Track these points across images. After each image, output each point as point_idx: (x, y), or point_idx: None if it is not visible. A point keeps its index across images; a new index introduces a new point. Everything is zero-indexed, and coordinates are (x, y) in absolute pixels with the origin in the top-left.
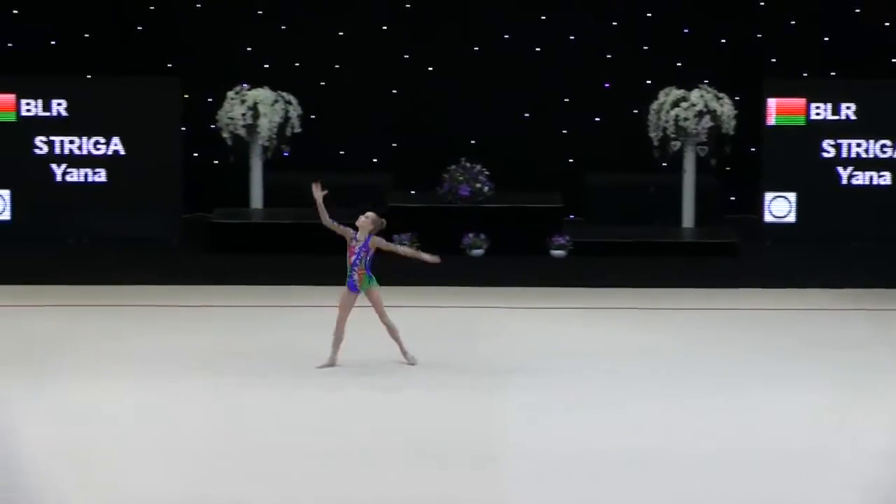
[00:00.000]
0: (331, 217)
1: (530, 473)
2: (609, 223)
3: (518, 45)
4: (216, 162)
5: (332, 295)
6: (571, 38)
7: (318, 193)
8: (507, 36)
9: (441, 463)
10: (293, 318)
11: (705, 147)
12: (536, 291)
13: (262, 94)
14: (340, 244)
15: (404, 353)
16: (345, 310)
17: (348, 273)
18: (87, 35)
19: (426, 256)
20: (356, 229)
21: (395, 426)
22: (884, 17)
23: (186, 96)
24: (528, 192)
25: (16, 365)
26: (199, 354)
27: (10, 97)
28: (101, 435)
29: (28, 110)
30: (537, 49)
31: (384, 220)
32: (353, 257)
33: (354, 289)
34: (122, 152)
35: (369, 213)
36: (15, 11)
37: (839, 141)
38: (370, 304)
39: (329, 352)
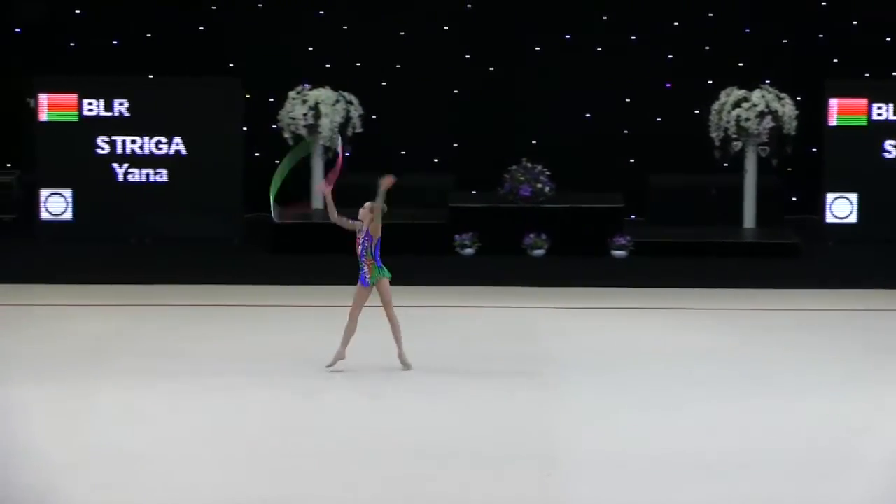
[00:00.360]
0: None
1: (592, 475)
2: (670, 223)
3: (580, 46)
4: (277, 162)
5: (394, 294)
6: (633, 38)
7: (325, 190)
8: (568, 36)
9: (503, 463)
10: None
11: (766, 147)
12: (597, 292)
13: (324, 94)
14: (402, 244)
15: (401, 355)
16: (357, 306)
17: (359, 267)
18: (149, 35)
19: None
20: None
21: (456, 426)
22: None
23: (248, 96)
24: (589, 193)
25: (77, 365)
26: (260, 354)
27: (73, 97)
28: (163, 436)
29: (90, 110)
30: (599, 49)
31: (384, 206)
32: (359, 248)
33: (365, 283)
34: (184, 152)
35: (367, 203)
36: (77, 11)
37: None
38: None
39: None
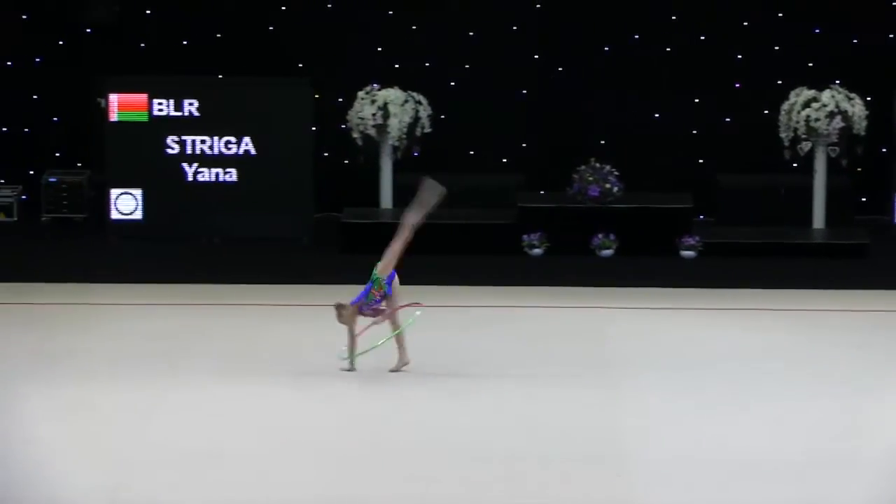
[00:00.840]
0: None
1: (661, 476)
2: (739, 224)
3: (648, 46)
4: (346, 162)
5: (463, 294)
6: (702, 38)
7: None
8: (637, 36)
9: (571, 465)
10: (427, 317)
11: (836, 148)
12: (665, 292)
13: (393, 94)
14: (470, 244)
15: (400, 358)
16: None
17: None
18: (218, 35)
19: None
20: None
21: (524, 427)
22: None
23: (317, 96)
24: (658, 193)
25: (147, 364)
26: (330, 353)
27: (143, 97)
28: (233, 435)
29: (160, 110)
30: (668, 49)
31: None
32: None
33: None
34: (253, 152)
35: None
36: (147, 12)
37: None
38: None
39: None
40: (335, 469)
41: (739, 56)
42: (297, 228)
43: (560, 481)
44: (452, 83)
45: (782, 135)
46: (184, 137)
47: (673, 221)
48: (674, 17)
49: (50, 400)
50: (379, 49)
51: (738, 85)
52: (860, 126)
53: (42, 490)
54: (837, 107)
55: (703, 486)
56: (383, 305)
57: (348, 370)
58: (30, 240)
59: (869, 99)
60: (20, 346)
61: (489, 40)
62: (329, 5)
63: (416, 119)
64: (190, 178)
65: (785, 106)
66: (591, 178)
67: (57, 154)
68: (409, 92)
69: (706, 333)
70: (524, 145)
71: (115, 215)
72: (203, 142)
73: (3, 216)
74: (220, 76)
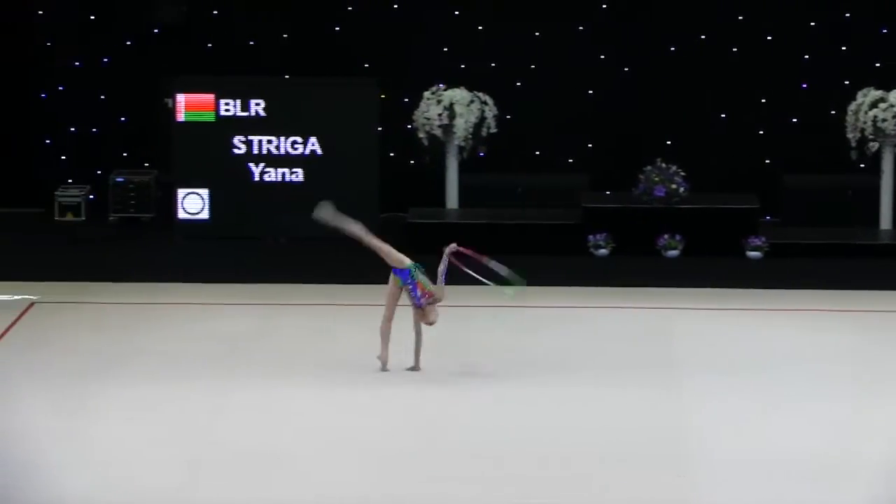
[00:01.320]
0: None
1: (724, 477)
2: (805, 224)
3: (715, 46)
4: (412, 162)
5: (527, 295)
6: (769, 38)
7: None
8: (703, 36)
9: (634, 465)
10: (492, 318)
11: None
12: (731, 293)
13: (459, 95)
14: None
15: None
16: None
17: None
18: (285, 36)
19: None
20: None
21: (588, 427)
22: None
23: (383, 96)
24: (724, 193)
25: (213, 363)
26: (397, 353)
27: (210, 97)
28: (299, 434)
29: (227, 110)
30: (734, 49)
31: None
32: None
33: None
34: (320, 152)
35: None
36: (214, 12)
37: None
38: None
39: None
40: (395, 469)
41: (806, 56)
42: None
43: (622, 482)
44: (518, 83)
45: (849, 135)
46: (250, 137)
47: (739, 222)
48: (740, 18)
49: (119, 400)
50: (445, 49)
51: (804, 85)
52: None
53: (111, 489)
54: None
55: (764, 488)
56: (426, 290)
57: (412, 369)
58: (97, 239)
59: None
60: (90, 346)
61: (555, 40)
62: (395, 5)
63: (482, 119)
64: (256, 178)
65: (852, 106)
66: (656, 179)
67: (124, 154)
68: (475, 92)
69: (771, 334)
70: (589, 145)
71: (181, 215)
72: (269, 142)
73: (71, 216)
74: (287, 76)
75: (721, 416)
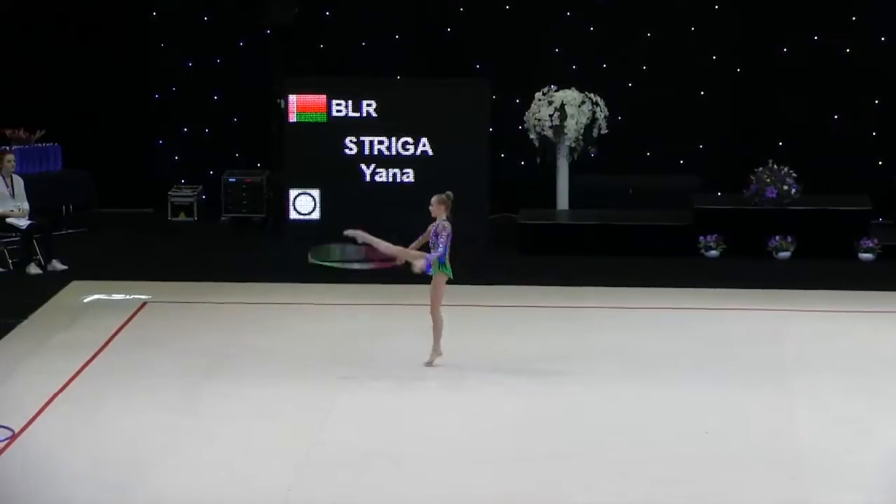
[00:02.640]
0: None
1: (837, 480)
2: None
3: (827, 46)
4: (522, 163)
5: (638, 296)
6: (882, 39)
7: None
8: (816, 38)
9: (747, 466)
10: (602, 318)
11: None
12: (843, 295)
13: (570, 95)
14: (646, 246)
15: (435, 349)
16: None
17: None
18: (396, 36)
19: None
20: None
21: (700, 428)
22: None
23: (494, 97)
24: (836, 195)
25: (324, 363)
26: (509, 355)
27: (321, 98)
28: (411, 436)
29: (338, 111)
30: (847, 50)
31: (449, 193)
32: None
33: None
34: (430, 153)
35: (434, 196)
36: (326, 13)
37: None
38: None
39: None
40: (510, 470)
41: None
42: (474, 229)
43: (735, 483)
44: (630, 84)
45: None
46: (362, 138)
47: (851, 224)
48: (853, 18)
49: (229, 399)
50: (556, 50)
51: None
52: None
53: (223, 488)
54: None
55: (879, 490)
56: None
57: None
58: (210, 239)
59: None
60: (202, 345)
61: (666, 41)
62: (507, 6)
63: (593, 120)
64: (367, 179)
65: None
66: (768, 180)
67: (236, 154)
68: (587, 93)
69: (884, 336)
70: (700, 146)
71: (293, 215)
72: (381, 142)
73: (183, 216)
74: (398, 77)
75: (834, 418)
